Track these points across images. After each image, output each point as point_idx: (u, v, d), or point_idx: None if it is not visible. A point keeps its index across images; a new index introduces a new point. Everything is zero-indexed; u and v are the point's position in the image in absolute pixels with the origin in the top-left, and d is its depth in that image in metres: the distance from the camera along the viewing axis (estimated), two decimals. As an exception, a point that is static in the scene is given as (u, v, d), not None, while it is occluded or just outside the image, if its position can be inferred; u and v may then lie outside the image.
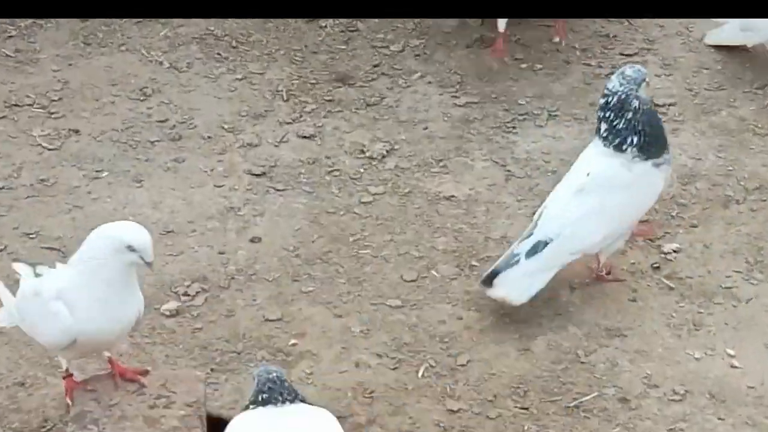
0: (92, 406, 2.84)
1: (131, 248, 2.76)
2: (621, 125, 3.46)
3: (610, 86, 3.46)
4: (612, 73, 3.84)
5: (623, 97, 3.43)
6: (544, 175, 4.05)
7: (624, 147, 3.43)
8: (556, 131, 4.19)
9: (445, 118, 4.22)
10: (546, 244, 3.43)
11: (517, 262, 3.45)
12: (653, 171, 3.46)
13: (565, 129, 4.20)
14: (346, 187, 3.97)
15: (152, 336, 3.39)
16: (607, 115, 3.45)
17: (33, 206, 3.88)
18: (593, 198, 3.45)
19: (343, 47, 4.49)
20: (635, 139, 3.42)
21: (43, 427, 3.13)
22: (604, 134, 3.46)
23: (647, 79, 3.52)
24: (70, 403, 3.10)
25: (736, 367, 3.31)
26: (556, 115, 4.23)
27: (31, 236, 3.76)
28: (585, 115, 4.21)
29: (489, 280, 3.46)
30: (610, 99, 3.44)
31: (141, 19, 4.54)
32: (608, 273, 3.63)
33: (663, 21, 4.62)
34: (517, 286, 3.42)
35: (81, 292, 2.87)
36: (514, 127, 4.22)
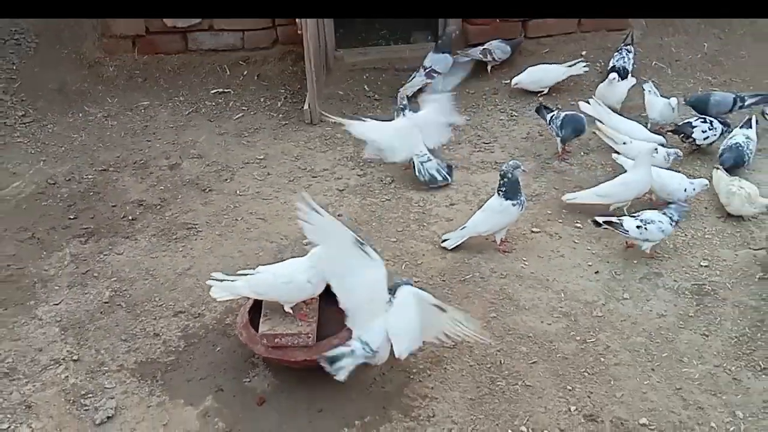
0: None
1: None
2: (503, 185, 5.14)
3: (504, 168, 5.02)
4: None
5: (507, 173, 5.08)
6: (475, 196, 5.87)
7: (501, 194, 5.18)
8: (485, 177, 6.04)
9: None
10: (465, 228, 5.28)
11: (457, 229, 5.32)
12: (510, 207, 5.16)
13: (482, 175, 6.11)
14: (377, 194, 5.96)
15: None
16: (502, 181, 5.11)
17: (253, 201, 5.96)
18: (484, 213, 5.29)
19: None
20: (503, 190, 5.16)
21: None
22: (499, 189, 5.17)
23: (522, 168, 5.04)
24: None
25: (525, 266, 5.13)
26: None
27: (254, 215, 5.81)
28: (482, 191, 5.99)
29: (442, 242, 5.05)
30: (502, 173, 5.08)
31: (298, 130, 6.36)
32: (501, 243, 5.23)
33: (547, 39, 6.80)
34: (452, 241, 5.28)
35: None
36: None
